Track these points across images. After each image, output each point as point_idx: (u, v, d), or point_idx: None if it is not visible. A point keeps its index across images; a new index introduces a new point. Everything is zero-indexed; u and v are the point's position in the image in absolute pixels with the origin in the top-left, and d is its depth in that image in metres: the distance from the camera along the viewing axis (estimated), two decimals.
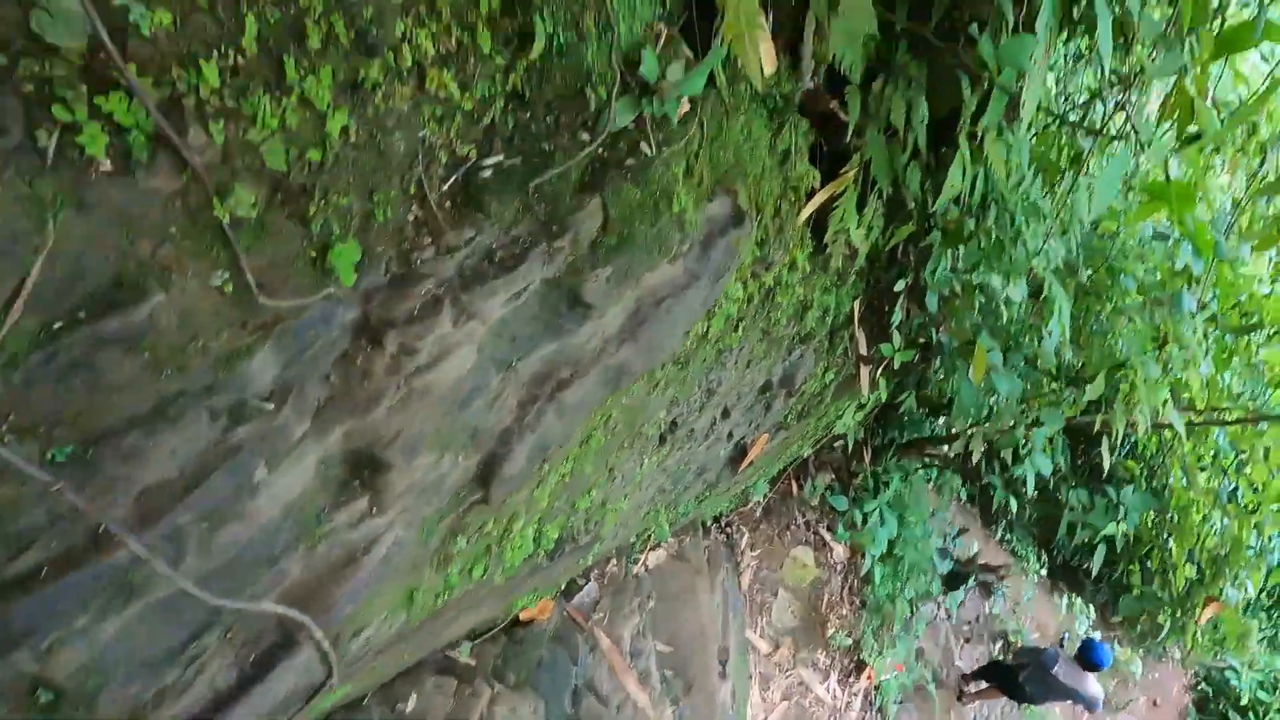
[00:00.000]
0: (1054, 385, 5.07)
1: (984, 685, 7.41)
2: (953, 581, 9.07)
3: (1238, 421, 4.94)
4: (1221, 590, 5.68)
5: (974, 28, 2.96)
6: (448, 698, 2.13)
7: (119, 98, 0.81)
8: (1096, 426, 4.62)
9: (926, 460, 6.55)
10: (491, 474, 1.41)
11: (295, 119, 0.96)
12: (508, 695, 2.35)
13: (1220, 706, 11.61)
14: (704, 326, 2.21)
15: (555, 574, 2.46)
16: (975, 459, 5.20)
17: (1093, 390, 4.27)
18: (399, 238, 1.19)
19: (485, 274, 1.25)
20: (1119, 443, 4.49)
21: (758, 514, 5.36)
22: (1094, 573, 5.69)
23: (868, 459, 6.05)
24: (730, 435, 3.74)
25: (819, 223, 3.07)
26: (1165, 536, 6.79)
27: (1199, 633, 5.98)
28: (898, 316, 4.08)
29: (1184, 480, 6.72)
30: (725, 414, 3.39)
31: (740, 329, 2.71)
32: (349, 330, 1.14)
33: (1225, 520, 6.28)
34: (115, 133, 0.82)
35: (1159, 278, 5.01)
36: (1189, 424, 5.09)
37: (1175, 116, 2.04)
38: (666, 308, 1.56)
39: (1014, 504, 9.52)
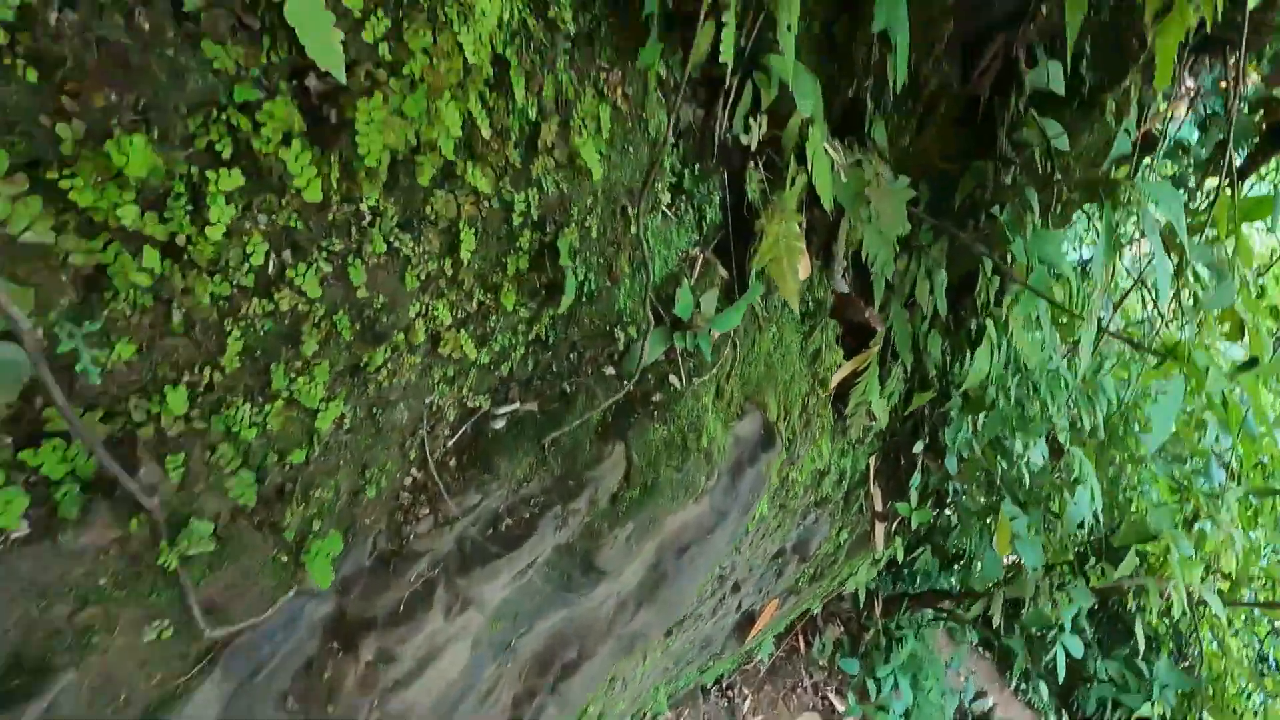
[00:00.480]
0: (1081, 548, 4.79)
1: None
2: None
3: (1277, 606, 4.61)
4: None
5: (996, 208, 2.94)
6: None
7: (52, 446, 0.66)
8: (1128, 593, 4.31)
9: (942, 614, 6.15)
10: None
11: (279, 422, 0.81)
12: None
13: None
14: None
15: None
16: (996, 622, 4.84)
17: (1124, 567, 3.99)
18: (391, 508, 1.02)
19: (487, 551, 1.07)
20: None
21: (761, 673, 4.95)
22: None
23: (879, 611, 5.67)
24: (739, 606, 3.45)
25: (840, 395, 2.93)
26: (1200, 714, 6.30)
27: None
28: (917, 479, 3.87)
29: (1215, 644, 6.30)
30: (735, 588, 3.12)
31: (765, 509, 2.50)
32: (318, 630, 0.95)
33: (1263, 698, 5.83)
34: (40, 489, 0.66)
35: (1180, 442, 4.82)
36: (1226, 603, 4.77)
37: (1226, 333, 1.93)
38: (690, 557, 1.37)
39: (1025, 655, 8.97)
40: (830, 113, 2.12)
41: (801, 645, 5.20)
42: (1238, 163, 2.51)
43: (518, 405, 1.19)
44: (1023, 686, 10.04)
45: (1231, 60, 3.06)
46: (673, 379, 1.38)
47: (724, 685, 4.73)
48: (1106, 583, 4.47)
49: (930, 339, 3.19)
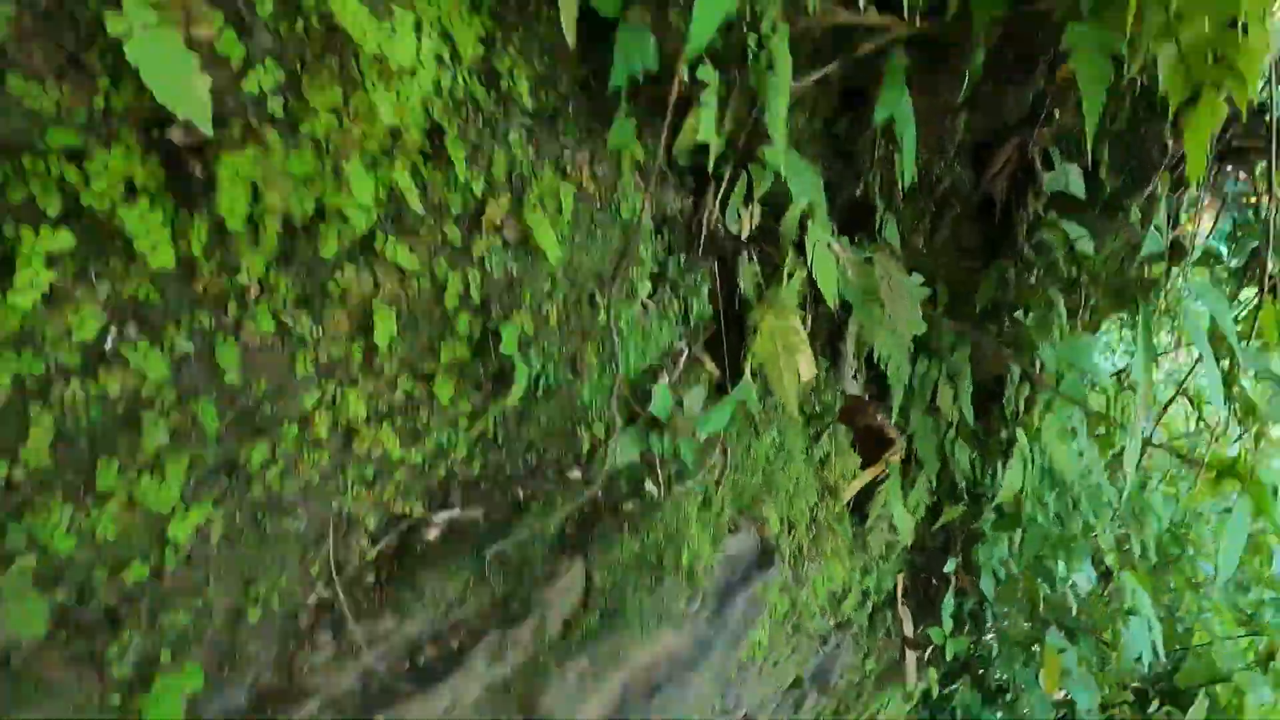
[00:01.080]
0: (1141, 686, 4.23)
1: None
2: None
3: None
4: None
5: (1020, 312, 2.77)
6: None
7: None
8: None
9: None
10: None
11: (112, 529, 0.65)
12: None
13: None
14: None
15: None
16: None
17: (1195, 711, 3.48)
18: (285, 634, 0.84)
19: (397, 691, 0.86)
20: None
21: None
22: None
23: None
24: None
25: (859, 506, 2.68)
26: None
27: None
28: (949, 604, 3.50)
29: None
30: None
31: (765, 638, 2.21)
32: None
33: None
34: None
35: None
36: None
37: None
38: (664, 701, 1.12)
39: None
40: (836, 209, 2.02)
41: None
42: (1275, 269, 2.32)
43: (457, 512, 1.02)
44: None
45: (1259, 167, 2.93)
46: (649, 486, 1.20)
47: None
48: None
49: (957, 448, 2.95)
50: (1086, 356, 2.20)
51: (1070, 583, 3.87)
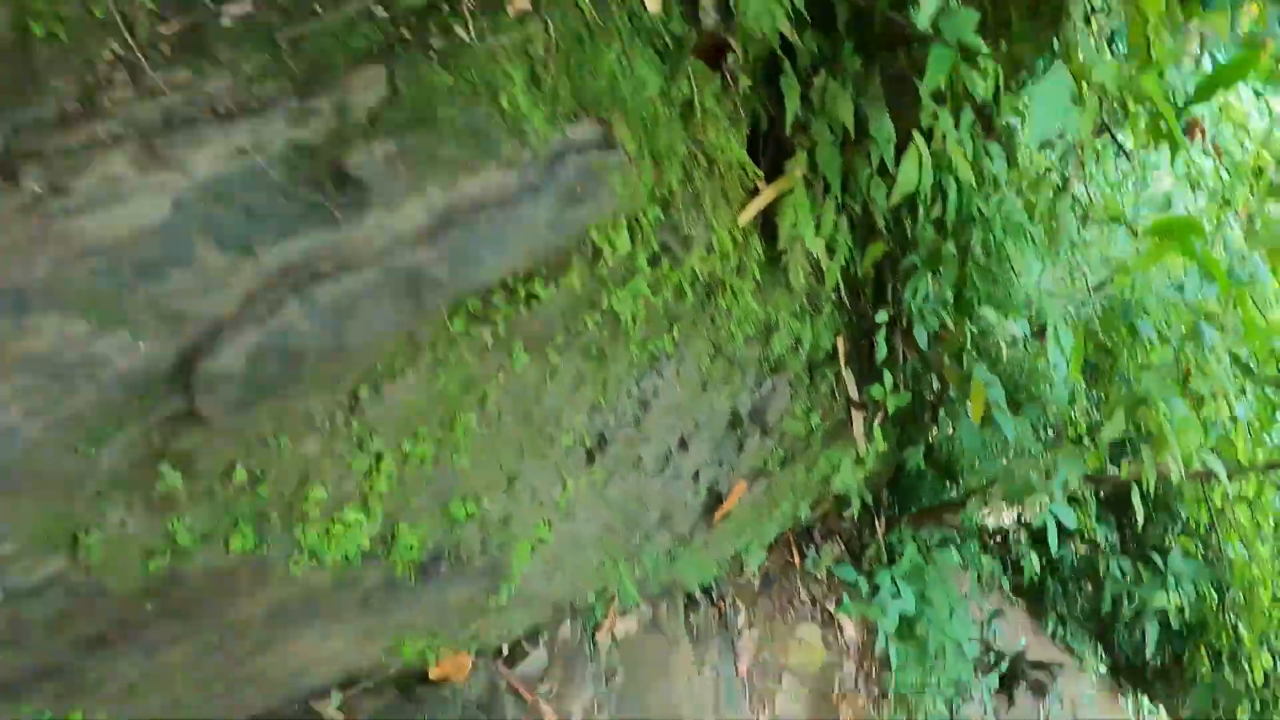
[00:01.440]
0: (1071, 433, 4.48)
1: None
2: (1007, 683, 7.93)
3: None
4: None
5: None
6: None
7: None
8: (1124, 474, 4.00)
9: (946, 531, 5.82)
10: (192, 371, 1.03)
11: None
12: None
13: None
14: (611, 300, 1.85)
15: (445, 609, 2.00)
16: (994, 523, 4.54)
17: (1111, 429, 3.70)
18: (82, 73, 0.92)
19: (198, 121, 0.95)
20: (1151, 491, 3.84)
21: (756, 586, 4.72)
22: (1148, 656, 4.79)
23: (881, 530, 5.39)
24: (697, 476, 3.27)
25: (773, 231, 2.76)
26: (1234, 621, 5.87)
27: None
28: (882, 350, 3.65)
29: (1245, 553, 5.88)
30: (683, 445, 2.95)
31: (676, 330, 2.34)
32: None
33: None
34: None
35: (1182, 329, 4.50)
36: (1233, 470, 4.40)
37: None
38: (489, 217, 1.23)
39: (1055, 587, 8.46)
40: None
41: (796, 559, 4.96)
42: None
43: (251, 8, 1.08)
44: (1059, 630, 9.50)
45: None
46: (459, 29, 1.25)
47: (714, 596, 4.52)
48: (1102, 459, 4.16)
49: (873, 184, 3.00)
50: (966, 29, 2.20)
51: (1004, 334, 4.02)
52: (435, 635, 2.18)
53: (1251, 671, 5.58)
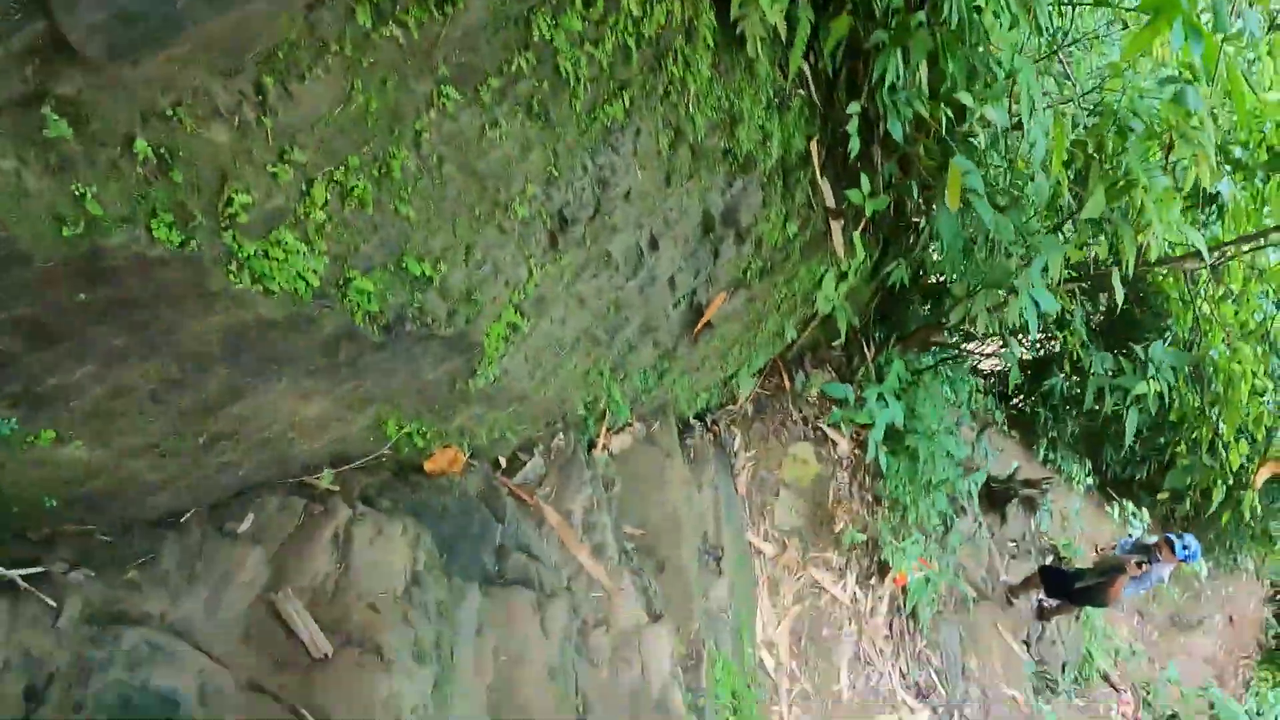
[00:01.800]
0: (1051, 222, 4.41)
1: (1056, 603, 6.76)
2: (996, 500, 8.31)
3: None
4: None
5: None
6: (294, 517, 1.70)
7: None
8: (1103, 251, 3.96)
9: (935, 351, 5.89)
10: None
11: None
12: (374, 516, 1.90)
13: None
14: (541, 30, 1.73)
15: (423, 384, 2.01)
16: (981, 330, 4.57)
17: (1092, 206, 3.62)
18: None
19: None
20: (1130, 273, 3.81)
21: (749, 413, 4.83)
22: (1128, 442, 4.95)
23: (869, 355, 5.45)
24: (674, 284, 3.24)
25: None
26: (1214, 414, 6.03)
27: (1256, 500, 5.20)
28: (855, 145, 3.51)
29: (1227, 351, 5.98)
30: (654, 245, 2.89)
31: (626, 98, 2.22)
32: None
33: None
34: None
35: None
36: (1214, 246, 4.37)
37: None
38: None
39: (1046, 414, 8.70)
40: None
41: (787, 383, 5.04)
42: None
43: None
44: (1050, 455, 9.87)
45: None
46: None
47: (709, 421, 4.63)
48: (1082, 241, 4.11)
49: None
50: None
51: (979, 117, 3.86)
52: (421, 419, 2.21)
53: (1228, 457, 5.79)
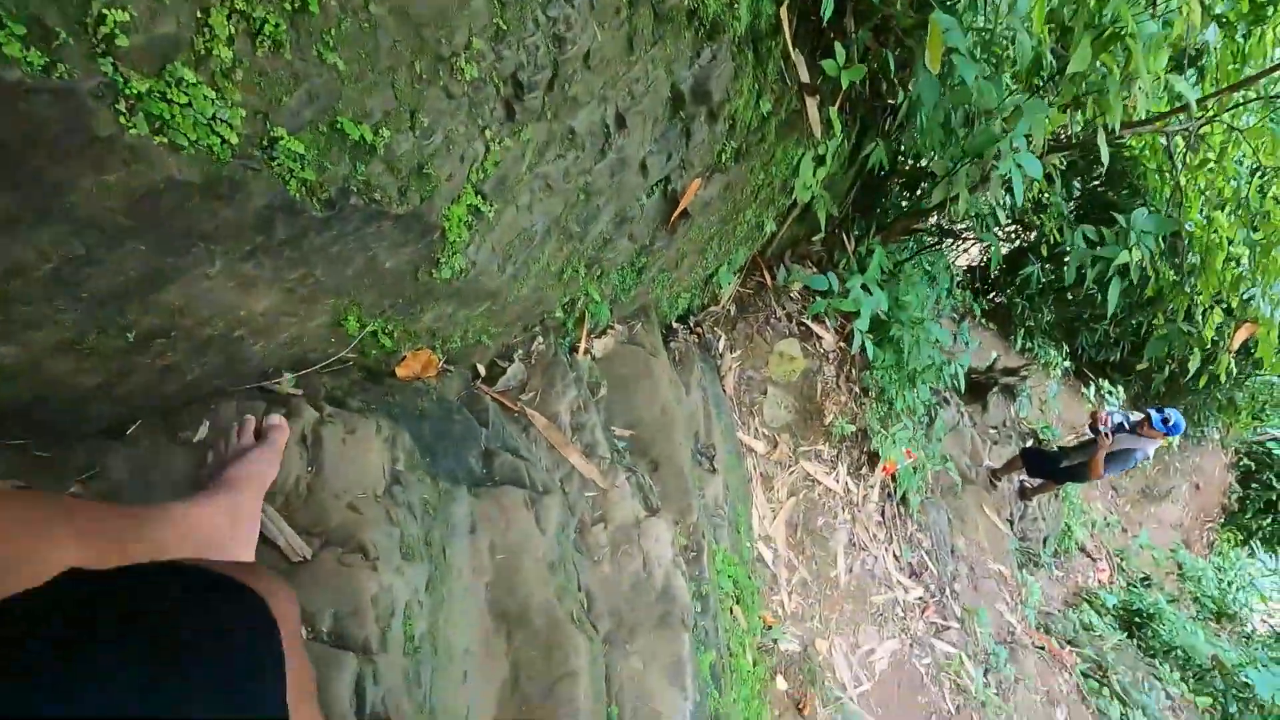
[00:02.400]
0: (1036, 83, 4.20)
1: (1038, 483, 6.91)
2: (976, 390, 8.38)
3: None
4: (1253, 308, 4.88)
5: None
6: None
7: None
8: (1088, 114, 3.78)
9: (916, 239, 5.75)
10: None
11: None
12: (344, 417, 1.75)
13: (1265, 476, 10.94)
14: None
15: (380, 274, 1.82)
16: (962, 208, 4.41)
17: (1078, 59, 3.40)
18: None
19: None
20: (1116, 130, 3.65)
21: (731, 313, 4.70)
22: (1109, 314, 4.91)
23: (850, 248, 5.29)
24: (646, 168, 3.01)
25: None
26: (1191, 284, 6.01)
27: (1231, 363, 5.24)
28: (829, 7, 3.23)
29: (1204, 220, 5.93)
30: (621, 122, 2.66)
31: None
32: None
33: (1252, 242, 5.45)
34: None
35: None
36: (1201, 99, 4.21)
37: None
38: None
39: (1023, 304, 8.70)
40: None
41: (769, 280, 4.89)
42: None
43: None
44: (1027, 345, 9.95)
45: None
46: None
47: (692, 324, 4.49)
48: (1066, 99, 3.92)
49: None
50: None
51: None
52: (385, 316, 2.03)
53: (1205, 325, 5.81)
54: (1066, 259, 8.04)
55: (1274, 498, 10.90)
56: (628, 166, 2.85)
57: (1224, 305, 6.16)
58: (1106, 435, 5.52)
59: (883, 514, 4.93)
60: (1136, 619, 7.43)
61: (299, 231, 1.50)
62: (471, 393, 2.56)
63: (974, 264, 9.83)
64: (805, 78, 3.65)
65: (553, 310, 3.01)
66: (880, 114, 4.36)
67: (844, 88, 3.58)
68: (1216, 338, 6.14)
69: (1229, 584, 9.55)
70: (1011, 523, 7.24)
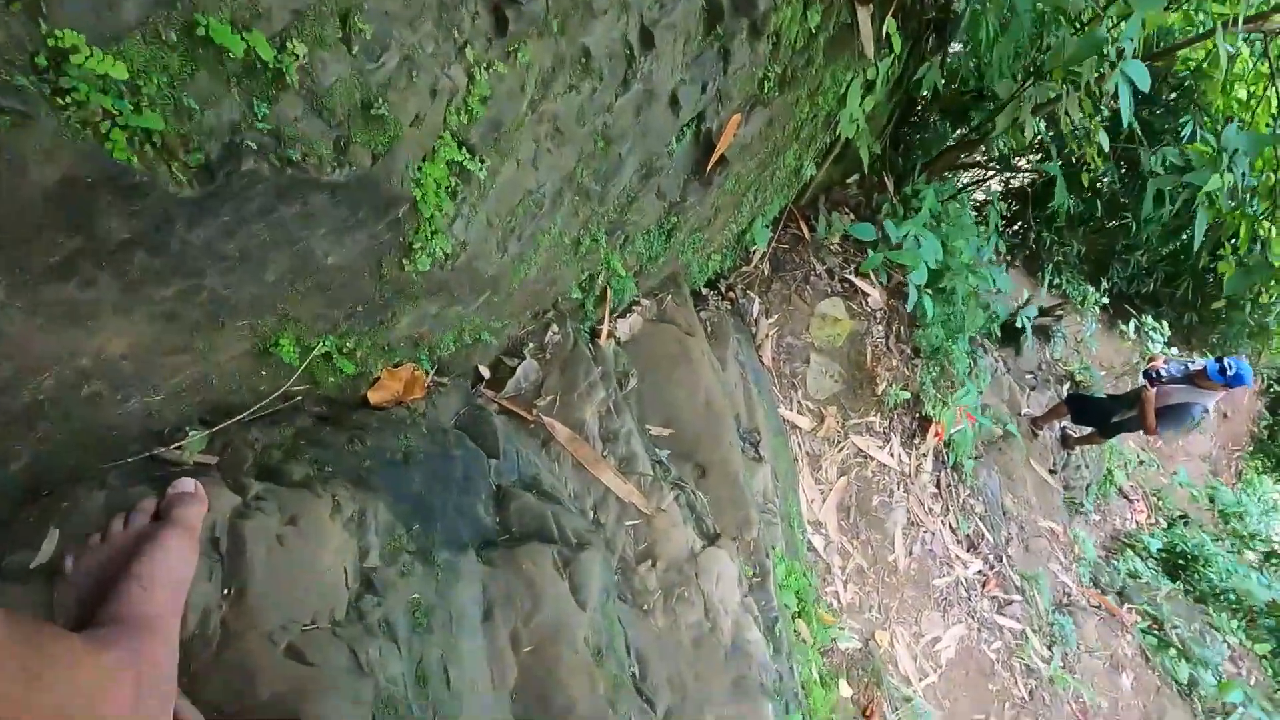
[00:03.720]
0: None
1: (1086, 431, 6.32)
2: (1007, 334, 7.69)
3: None
4: None
5: None
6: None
7: None
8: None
9: (964, 173, 4.99)
10: None
11: None
12: (283, 497, 1.13)
13: None
14: None
15: (316, 261, 1.16)
16: (1029, 136, 3.67)
17: None
18: None
19: None
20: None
21: (765, 273, 4.02)
22: (1195, 246, 4.22)
23: (891, 188, 4.55)
24: (677, 102, 2.31)
25: None
26: (1254, 207, 5.24)
27: None
28: None
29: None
30: (646, 41, 1.94)
31: None
32: None
33: None
34: None
35: None
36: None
37: None
38: None
39: (1050, 238, 7.93)
40: None
41: (806, 232, 4.19)
42: None
43: None
44: (1055, 281, 9.20)
45: None
46: None
47: (723, 289, 3.82)
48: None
49: None
50: None
51: None
52: (338, 330, 1.38)
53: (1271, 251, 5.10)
54: (1100, 188, 7.20)
55: None
56: (656, 100, 2.15)
57: None
58: (1151, 384, 4.90)
59: (937, 484, 4.36)
60: (1180, 562, 6.97)
61: (153, 224, 0.83)
62: (474, 409, 1.93)
63: (988, 198, 9.04)
64: None
65: (568, 291, 2.36)
66: (929, 31, 3.58)
67: None
68: None
69: (1266, 514, 9.06)
70: (1053, 473, 6.69)
